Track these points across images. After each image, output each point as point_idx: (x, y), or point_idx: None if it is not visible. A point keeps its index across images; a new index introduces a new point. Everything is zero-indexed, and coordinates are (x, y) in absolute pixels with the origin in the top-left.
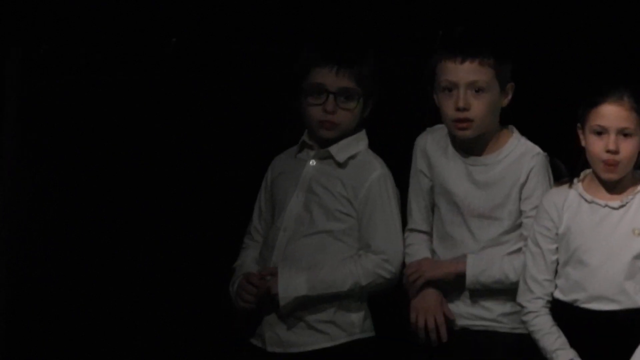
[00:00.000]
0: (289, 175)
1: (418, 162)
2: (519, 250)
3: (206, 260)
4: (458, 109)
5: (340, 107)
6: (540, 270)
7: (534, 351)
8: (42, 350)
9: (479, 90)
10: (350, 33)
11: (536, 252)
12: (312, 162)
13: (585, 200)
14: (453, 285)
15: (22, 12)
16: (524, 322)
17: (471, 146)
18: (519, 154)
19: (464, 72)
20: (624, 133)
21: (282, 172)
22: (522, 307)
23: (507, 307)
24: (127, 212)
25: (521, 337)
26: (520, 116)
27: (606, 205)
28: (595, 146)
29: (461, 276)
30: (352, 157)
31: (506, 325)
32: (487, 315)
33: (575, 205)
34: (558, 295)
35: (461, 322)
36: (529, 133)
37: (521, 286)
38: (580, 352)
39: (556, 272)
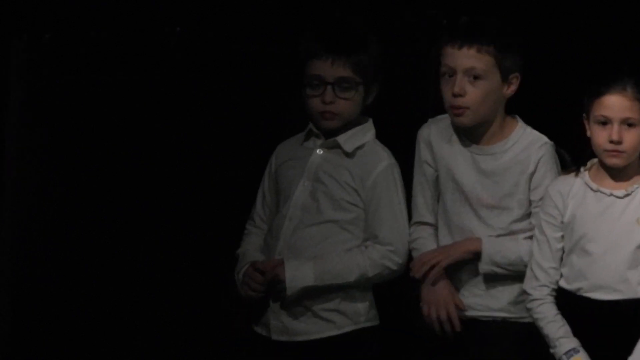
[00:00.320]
0: (295, 163)
1: (422, 153)
2: (530, 238)
3: (206, 259)
4: (454, 95)
5: (339, 97)
6: (545, 258)
7: (542, 340)
8: (44, 350)
9: (476, 77)
10: (347, 22)
11: (542, 239)
12: (319, 151)
13: (591, 188)
14: (461, 275)
15: (26, 1)
16: (528, 310)
17: (475, 135)
18: (526, 143)
19: (461, 57)
20: (627, 123)
21: (287, 159)
22: (528, 294)
23: (515, 297)
24: (129, 202)
25: (529, 326)
26: (523, 106)
27: (611, 194)
28: (599, 136)
29: (477, 255)
30: (359, 147)
31: (514, 315)
32: (495, 305)
33: (581, 194)
34: (562, 283)
35: (469, 313)
36: (532, 123)
37: (527, 273)
38: (582, 341)
39: (562, 260)
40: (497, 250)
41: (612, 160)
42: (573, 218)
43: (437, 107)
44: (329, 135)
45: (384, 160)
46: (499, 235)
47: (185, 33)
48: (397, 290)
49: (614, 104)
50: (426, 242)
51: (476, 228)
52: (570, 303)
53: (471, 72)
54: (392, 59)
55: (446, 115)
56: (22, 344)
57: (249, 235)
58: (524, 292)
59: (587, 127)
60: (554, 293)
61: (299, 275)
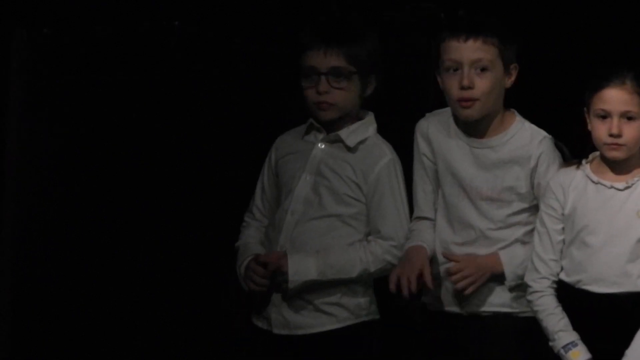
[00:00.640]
0: (296, 157)
1: (420, 147)
2: (530, 232)
3: (206, 255)
4: (462, 88)
5: (333, 87)
6: (546, 250)
7: (543, 333)
8: (44, 350)
9: (483, 69)
10: (342, 15)
11: (542, 231)
12: (321, 145)
13: (592, 181)
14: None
15: None
16: (529, 302)
17: (475, 128)
18: (525, 136)
19: (468, 50)
20: (627, 117)
21: (288, 153)
22: (528, 286)
23: (516, 291)
24: (128, 199)
25: (530, 320)
26: (521, 99)
27: (612, 187)
28: (599, 130)
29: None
30: (361, 142)
31: (515, 309)
32: (496, 300)
33: (582, 186)
34: (562, 276)
35: (470, 309)
36: (530, 116)
37: (529, 265)
38: (581, 334)
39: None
40: (517, 263)
41: (612, 154)
42: (574, 210)
43: (437, 102)
44: (329, 128)
45: (386, 155)
46: (498, 228)
47: (185, 30)
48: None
49: (614, 97)
50: (420, 233)
51: (475, 221)
52: (569, 296)
53: (478, 64)
54: (391, 53)
55: (444, 109)
56: (22, 344)
57: (248, 228)
58: (525, 285)
59: (588, 120)
60: (554, 285)
61: (302, 269)
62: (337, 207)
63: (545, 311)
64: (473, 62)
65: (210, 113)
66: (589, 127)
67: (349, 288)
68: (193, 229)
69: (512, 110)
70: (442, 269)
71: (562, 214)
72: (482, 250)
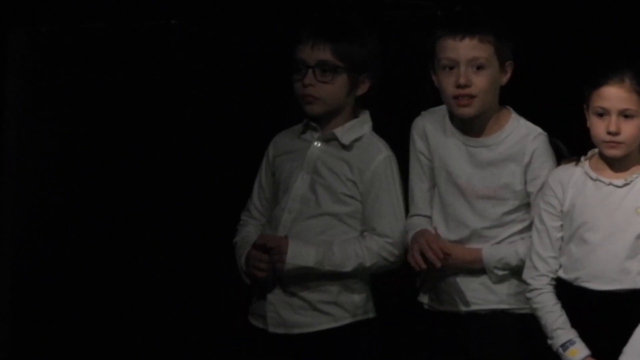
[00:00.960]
0: (293, 156)
1: (417, 144)
2: (523, 230)
3: (205, 255)
4: (459, 86)
5: (319, 81)
6: (545, 247)
7: (541, 330)
8: (44, 350)
9: (479, 67)
10: (338, 12)
11: (541, 229)
12: (317, 144)
13: (591, 177)
14: (458, 269)
15: None
16: (528, 299)
17: (471, 126)
18: (520, 134)
19: (464, 49)
20: (625, 115)
21: (285, 151)
22: (527, 284)
23: (513, 288)
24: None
25: (529, 317)
26: (518, 96)
27: (610, 184)
28: (597, 127)
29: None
30: (357, 140)
31: (513, 306)
32: (494, 298)
33: (581, 183)
34: (560, 273)
35: (467, 308)
36: (528, 114)
37: (527, 263)
38: (580, 332)
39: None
40: (496, 259)
41: (610, 151)
42: (572, 207)
43: (434, 100)
44: (325, 126)
45: (382, 153)
46: (492, 226)
47: (185, 30)
48: (396, 283)
49: (612, 95)
50: (420, 226)
51: (470, 219)
52: (567, 293)
53: (475, 62)
54: (390, 52)
55: (440, 107)
56: (22, 344)
57: (245, 225)
58: (523, 282)
59: (587, 117)
60: (553, 283)
61: (300, 254)
62: (334, 206)
63: (544, 309)
64: (469, 61)
65: (210, 113)
66: (588, 125)
67: (346, 286)
68: (193, 228)
69: (508, 107)
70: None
71: (561, 211)
72: (475, 247)
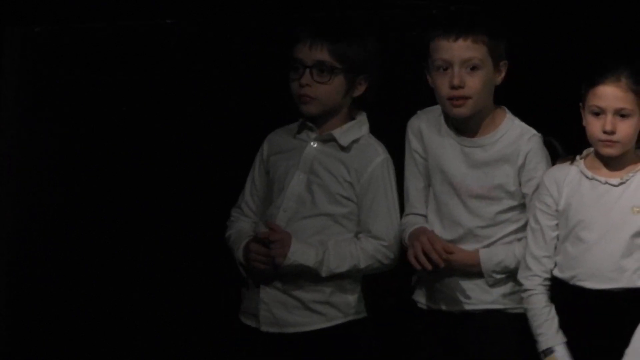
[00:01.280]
0: (288, 155)
1: (412, 143)
2: (518, 230)
3: (195, 256)
4: (453, 87)
5: (316, 81)
6: (539, 247)
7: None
8: (44, 350)
9: (473, 67)
10: (341, 13)
11: (536, 228)
12: (314, 144)
13: (586, 176)
14: (453, 269)
15: None
16: (522, 299)
17: (466, 126)
18: (515, 134)
19: (458, 49)
20: (620, 114)
21: (280, 150)
22: (521, 284)
23: (507, 288)
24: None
25: (522, 317)
26: (513, 95)
27: (606, 182)
28: (593, 126)
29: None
30: (355, 141)
31: (507, 306)
32: (488, 297)
33: (576, 182)
34: (556, 272)
35: (462, 307)
36: (524, 113)
37: (522, 263)
38: (576, 331)
39: (556, 249)
40: (495, 262)
41: (606, 150)
42: (568, 206)
43: (428, 100)
44: (320, 126)
45: (380, 155)
46: (487, 226)
47: (185, 30)
48: (391, 282)
49: (608, 94)
50: (416, 224)
51: (464, 218)
52: (563, 292)
53: (469, 63)
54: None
55: (435, 107)
56: (22, 344)
57: (237, 221)
58: (515, 281)
59: (583, 116)
60: (546, 283)
61: (303, 251)
62: (330, 207)
63: (532, 310)
64: (463, 62)
65: (210, 113)
66: (584, 123)
67: (338, 286)
68: (192, 228)
69: (503, 107)
70: None
71: (556, 210)
72: (469, 247)
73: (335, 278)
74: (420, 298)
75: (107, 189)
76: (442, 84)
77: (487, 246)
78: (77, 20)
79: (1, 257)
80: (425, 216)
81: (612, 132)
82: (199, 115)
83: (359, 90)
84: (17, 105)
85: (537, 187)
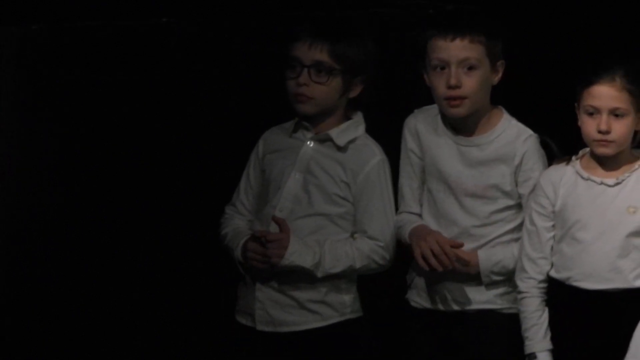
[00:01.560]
0: (284, 154)
1: (408, 142)
2: (514, 230)
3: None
4: (450, 87)
5: (314, 81)
6: (535, 248)
7: None
8: (44, 350)
9: (470, 67)
10: (340, 13)
11: (532, 230)
12: (310, 144)
13: (582, 177)
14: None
15: None
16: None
17: (462, 126)
18: (511, 135)
19: (455, 49)
20: (615, 114)
21: (276, 149)
22: (516, 285)
23: (502, 288)
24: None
25: (516, 317)
26: (510, 95)
27: (602, 183)
28: (588, 126)
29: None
30: (351, 142)
31: (500, 306)
32: (481, 297)
33: (572, 182)
34: (552, 272)
35: (456, 307)
36: (519, 113)
37: (517, 264)
38: (573, 331)
39: (552, 250)
40: (493, 262)
41: (601, 150)
42: (564, 206)
43: (425, 99)
44: (316, 126)
45: (376, 156)
46: (481, 225)
47: (185, 30)
48: (386, 281)
49: (603, 94)
50: (412, 222)
51: (460, 217)
52: (560, 292)
53: (466, 63)
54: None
55: (432, 106)
56: (21, 344)
57: (232, 219)
58: (508, 282)
59: (578, 116)
60: (541, 286)
61: (301, 252)
62: (326, 206)
63: (523, 313)
64: (460, 61)
65: (210, 113)
66: (579, 123)
67: (334, 285)
68: (189, 227)
69: (500, 107)
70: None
71: (553, 212)
72: (465, 246)
73: (331, 278)
74: (415, 297)
75: (104, 188)
76: (439, 84)
77: (483, 245)
78: (74, 19)
79: (1, 257)
80: (419, 215)
81: (607, 132)
82: (196, 114)
83: (356, 91)
84: (14, 105)
85: (534, 188)
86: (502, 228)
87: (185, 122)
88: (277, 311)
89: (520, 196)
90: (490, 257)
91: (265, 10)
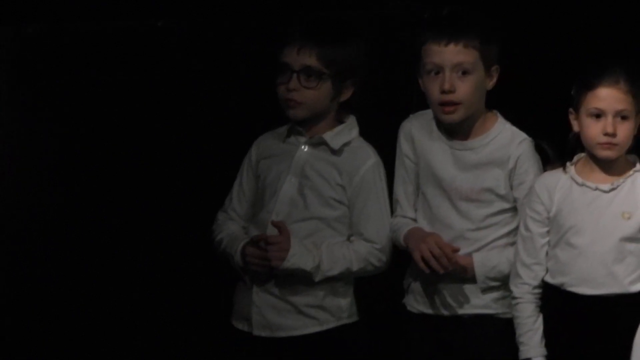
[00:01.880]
0: (279, 159)
1: (403, 147)
2: (509, 233)
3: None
4: (444, 92)
5: (303, 86)
6: (529, 254)
7: None
8: (44, 350)
9: (464, 72)
10: (328, 16)
11: (526, 236)
12: (304, 148)
13: (577, 182)
14: (443, 274)
15: None
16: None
17: (456, 130)
18: (505, 138)
19: (449, 54)
20: (621, 116)
21: (270, 155)
22: (511, 291)
23: (498, 293)
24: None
25: (511, 321)
26: (504, 100)
27: (597, 188)
28: (592, 129)
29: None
30: (345, 144)
31: (497, 311)
32: (478, 302)
33: (567, 188)
34: (547, 278)
35: (451, 311)
36: (513, 117)
37: (512, 270)
38: (569, 336)
39: (547, 255)
40: (490, 267)
41: (604, 153)
42: (559, 212)
43: (420, 103)
44: (309, 130)
45: (371, 158)
46: (476, 229)
47: (185, 30)
48: (382, 285)
49: (608, 96)
50: (408, 225)
51: (455, 221)
52: (555, 297)
53: (460, 67)
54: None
55: (428, 111)
56: (22, 343)
57: (224, 224)
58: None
59: (573, 121)
60: (535, 291)
61: (302, 255)
62: (322, 210)
63: (518, 318)
64: (454, 66)
65: (210, 113)
66: (575, 128)
67: (331, 289)
68: (187, 230)
69: (495, 111)
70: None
71: (547, 217)
72: (460, 250)
73: (328, 281)
74: (412, 302)
75: (102, 188)
76: (433, 88)
77: (478, 249)
78: (74, 19)
79: (1, 257)
80: (414, 220)
81: (614, 135)
82: (196, 114)
83: (346, 95)
84: (14, 105)
85: (528, 192)
86: (497, 232)
87: (184, 122)
88: (274, 316)
89: (515, 199)
90: (486, 263)
91: (265, 10)
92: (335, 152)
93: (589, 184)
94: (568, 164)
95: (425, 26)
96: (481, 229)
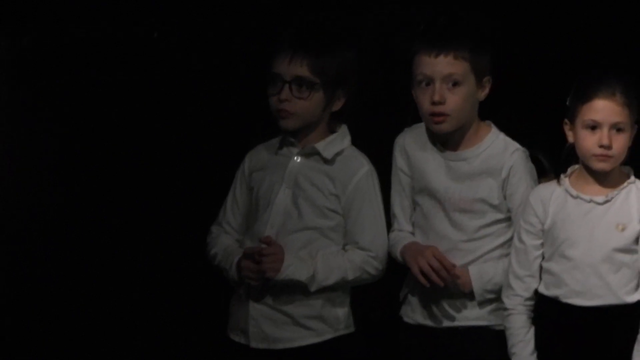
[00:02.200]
0: (272, 170)
1: (398, 161)
2: (503, 244)
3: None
4: (434, 103)
5: (295, 96)
6: (522, 266)
7: None
8: (43, 350)
9: (455, 83)
10: (319, 24)
11: (520, 248)
12: (297, 159)
13: (571, 195)
14: (438, 285)
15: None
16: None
17: (449, 140)
18: (498, 148)
19: (439, 65)
20: (616, 128)
21: (263, 166)
22: (502, 302)
23: (493, 305)
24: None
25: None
26: (500, 111)
27: (591, 200)
28: (588, 141)
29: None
30: (338, 154)
31: (492, 322)
32: (473, 314)
33: (561, 200)
34: (542, 289)
35: (446, 322)
36: (508, 128)
37: (504, 282)
38: (564, 348)
39: (541, 268)
40: (486, 279)
41: (600, 165)
42: (554, 224)
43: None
44: (301, 141)
45: (364, 166)
46: (469, 240)
47: (185, 30)
48: (378, 296)
49: (604, 108)
50: (406, 238)
51: (449, 232)
52: (550, 309)
53: (450, 79)
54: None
55: (421, 124)
56: (22, 344)
57: (218, 237)
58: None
59: (568, 133)
60: (528, 303)
61: (296, 266)
62: (317, 220)
63: (510, 330)
64: (444, 77)
65: (210, 113)
66: (570, 139)
67: (328, 299)
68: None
69: (488, 122)
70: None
71: (542, 230)
72: (454, 261)
73: (325, 292)
74: (408, 313)
75: (101, 188)
76: (424, 99)
77: (472, 261)
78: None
79: (1, 257)
80: (412, 233)
81: (609, 147)
82: (196, 114)
83: (338, 104)
84: (13, 105)
85: (521, 202)
86: (491, 243)
87: (184, 122)
88: (271, 328)
89: (509, 210)
90: (482, 275)
91: (267, 11)
92: (328, 161)
93: (583, 196)
94: (562, 176)
95: (418, 35)
96: (474, 239)
